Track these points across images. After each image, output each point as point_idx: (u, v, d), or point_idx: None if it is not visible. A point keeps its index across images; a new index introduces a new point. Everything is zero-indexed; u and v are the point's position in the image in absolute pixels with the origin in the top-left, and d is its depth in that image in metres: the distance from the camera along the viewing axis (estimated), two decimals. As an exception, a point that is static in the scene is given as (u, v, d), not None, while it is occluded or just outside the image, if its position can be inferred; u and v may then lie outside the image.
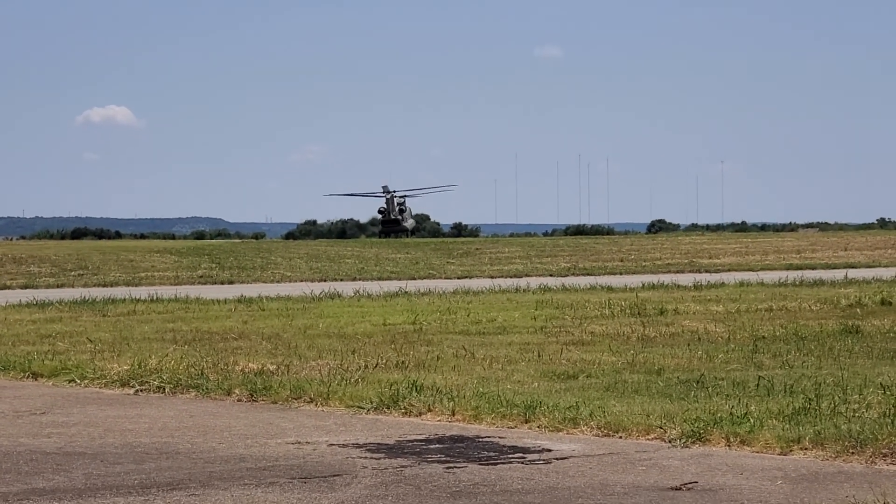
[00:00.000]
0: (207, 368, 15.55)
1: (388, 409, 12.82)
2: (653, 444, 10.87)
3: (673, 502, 8.74)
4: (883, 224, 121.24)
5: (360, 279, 43.19)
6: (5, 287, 40.41)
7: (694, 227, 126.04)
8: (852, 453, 10.09)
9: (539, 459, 10.26)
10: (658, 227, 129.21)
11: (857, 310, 24.00)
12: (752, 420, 11.12)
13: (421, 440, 11.21)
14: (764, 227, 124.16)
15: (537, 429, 11.65)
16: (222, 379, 14.81)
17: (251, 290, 34.86)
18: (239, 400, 13.99)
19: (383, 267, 52.80)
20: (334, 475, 9.72)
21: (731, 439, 10.72)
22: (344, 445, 10.99)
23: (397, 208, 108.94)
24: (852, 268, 46.71)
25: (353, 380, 14.38)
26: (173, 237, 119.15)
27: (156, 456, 10.63)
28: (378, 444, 11.05)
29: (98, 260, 55.04)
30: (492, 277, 43.52)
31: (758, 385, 13.24)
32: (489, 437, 11.34)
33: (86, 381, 15.58)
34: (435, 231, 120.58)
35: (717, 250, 65.22)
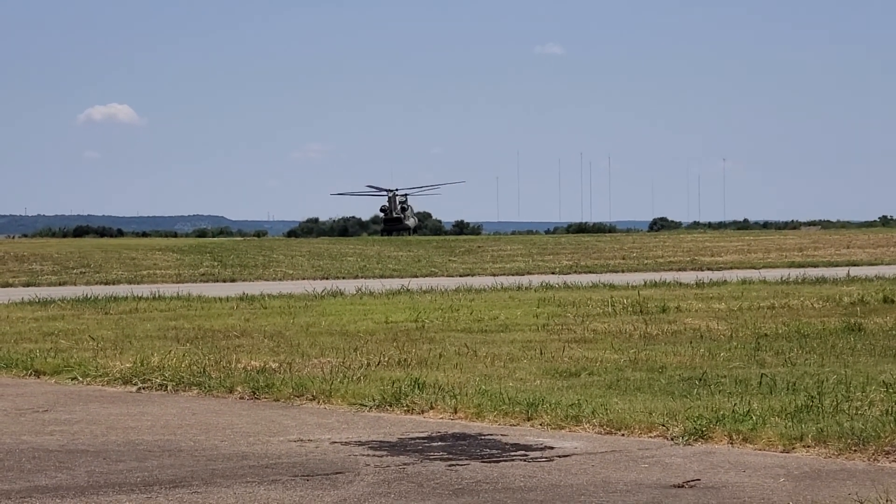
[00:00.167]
0: (210, 366, 15.56)
1: (391, 406, 12.82)
2: (655, 441, 10.87)
3: (675, 500, 8.74)
4: (885, 222, 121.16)
5: (362, 277, 43.18)
6: (7, 285, 40.44)
7: (696, 225, 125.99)
8: (855, 451, 10.09)
9: (541, 457, 10.26)
10: (660, 225, 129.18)
11: (860, 307, 24.00)
12: (754, 418, 11.12)
13: (423, 438, 11.21)
14: (766, 225, 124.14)
15: (539, 426, 11.65)
16: (224, 377, 14.82)
17: (253, 287, 34.87)
18: (241, 398, 13.99)
19: (385, 265, 52.81)
20: (336, 473, 9.72)
21: (734, 437, 10.72)
22: (346, 443, 10.99)
23: (399, 206, 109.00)
24: (854, 265, 46.73)
25: (355, 377, 14.38)
26: (175, 235, 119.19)
27: (158, 453, 10.63)
28: (380, 441, 11.05)
29: (100, 258, 55.07)
30: (494, 275, 43.52)
31: (760, 383, 13.24)
32: (491, 434, 11.34)
33: (88, 379, 15.59)
34: (437, 229, 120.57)
35: (719, 248, 65.26)
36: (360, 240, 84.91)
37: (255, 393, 14.03)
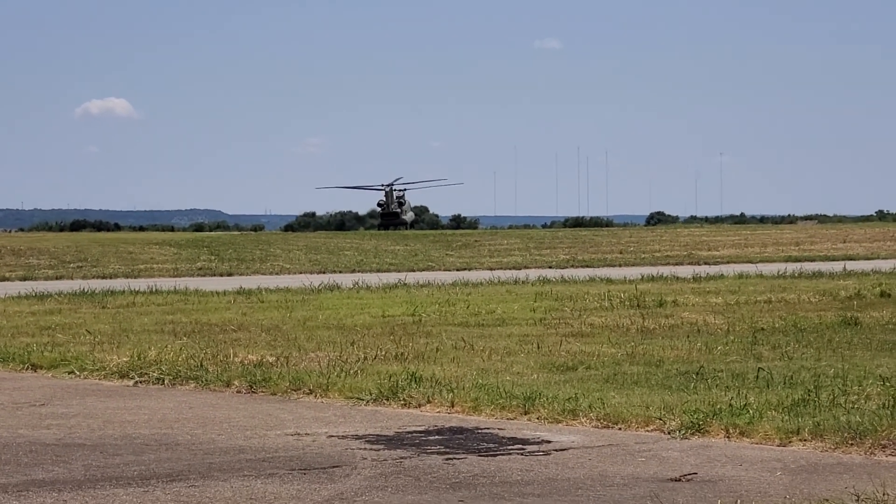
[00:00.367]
0: (207, 360, 15.55)
1: (388, 400, 12.82)
2: (652, 435, 10.88)
3: (672, 493, 8.74)
4: (882, 216, 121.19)
5: (359, 271, 43.18)
6: (4, 279, 40.40)
7: (693, 220, 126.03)
8: (851, 444, 10.10)
9: (538, 451, 10.27)
10: (657, 220, 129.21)
11: (856, 302, 24.02)
12: (751, 411, 11.13)
13: (420, 432, 11.21)
14: (763, 220, 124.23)
15: (536, 420, 11.66)
16: (221, 370, 14.82)
17: (250, 281, 34.87)
18: (238, 391, 13.99)
19: (382, 259, 52.80)
20: (334, 466, 9.72)
21: (731, 431, 10.72)
22: (343, 437, 10.99)
23: (396, 201, 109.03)
24: (851, 260, 46.77)
25: (352, 371, 14.38)
26: (172, 229, 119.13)
27: (155, 447, 10.63)
28: (377, 435, 11.05)
29: (97, 252, 55.05)
30: (491, 269, 43.52)
31: (757, 377, 13.25)
32: (488, 428, 11.35)
33: (85, 373, 15.59)
34: (434, 223, 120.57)
35: (716, 242, 65.27)
36: (357, 234, 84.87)
37: (252, 387, 14.03)
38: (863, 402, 11.60)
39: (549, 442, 10.64)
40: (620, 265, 46.85)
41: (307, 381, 13.81)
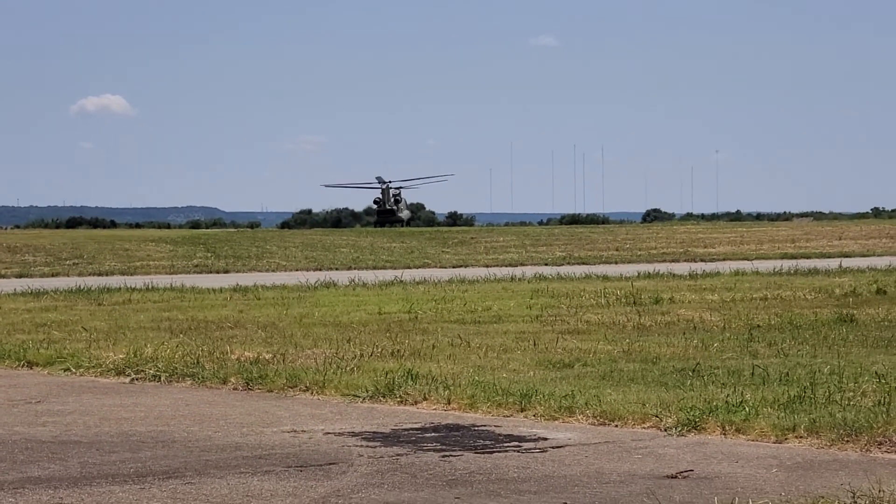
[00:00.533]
0: (203, 357, 15.55)
1: (384, 397, 12.82)
2: (648, 432, 10.88)
3: (669, 490, 8.75)
4: (877, 213, 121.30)
5: (355, 268, 43.17)
6: (0, 276, 40.37)
7: (689, 217, 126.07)
8: (847, 441, 10.10)
9: (535, 448, 10.27)
10: (653, 217, 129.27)
11: (852, 299, 24.03)
12: (747, 408, 11.13)
13: (416, 429, 11.22)
14: (759, 217, 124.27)
15: (533, 417, 11.66)
16: (218, 368, 14.81)
17: (246, 279, 34.86)
18: (235, 388, 13.99)
19: (378, 256, 52.79)
20: (330, 463, 9.73)
21: (727, 428, 10.73)
22: (340, 434, 10.99)
23: (392, 199, 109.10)
24: (847, 257, 46.75)
25: (348, 368, 14.38)
26: (168, 226, 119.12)
27: (151, 444, 10.63)
28: (374, 432, 11.06)
29: (93, 249, 55.01)
30: (487, 266, 43.51)
31: (753, 374, 13.25)
32: (485, 425, 11.35)
33: (81, 370, 15.58)
34: (430, 220, 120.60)
35: (712, 239, 65.27)
36: (354, 231, 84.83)
37: (248, 384, 14.02)
38: (859, 398, 11.61)
39: (545, 439, 10.64)
40: (617, 262, 46.84)
41: (304, 378, 13.81)
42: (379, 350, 16.10)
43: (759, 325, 18.94)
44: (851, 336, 17.31)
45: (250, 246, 59.55)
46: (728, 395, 11.80)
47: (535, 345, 16.63)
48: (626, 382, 13.14)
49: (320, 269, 42.22)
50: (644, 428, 11.03)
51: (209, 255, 52.90)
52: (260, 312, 22.52)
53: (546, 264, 45.13)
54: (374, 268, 43.58)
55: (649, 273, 34.35)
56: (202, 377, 14.50)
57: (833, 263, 38.73)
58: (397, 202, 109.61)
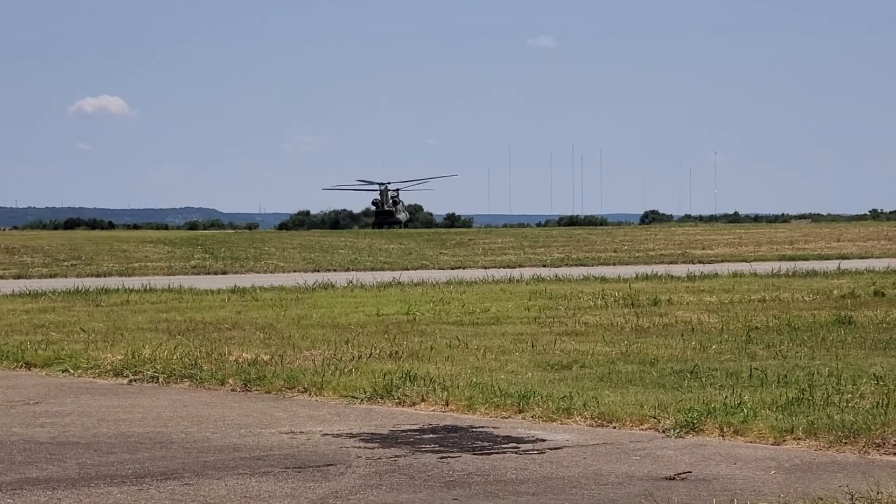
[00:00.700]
0: (201, 358, 15.54)
1: (382, 399, 12.82)
2: (646, 434, 10.88)
3: (667, 492, 8.75)
4: (875, 215, 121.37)
5: (353, 270, 43.15)
6: (-2, 277, 40.35)
7: (687, 218, 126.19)
8: (845, 443, 10.11)
9: (533, 449, 10.27)
10: (651, 218, 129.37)
11: (850, 300, 24.03)
12: (745, 410, 11.13)
13: (415, 430, 11.21)
14: (757, 218, 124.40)
15: (531, 419, 11.66)
16: (216, 369, 14.81)
17: (244, 280, 34.85)
18: (233, 390, 13.99)
19: (376, 257, 52.78)
20: (328, 465, 9.72)
21: (725, 429, 10.73)
22: (338, 435, 10.99)
23: (391, 200, 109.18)
24: (845, 259, 46.75)
25: (346, 370, 14.38)
26: (166, 227, 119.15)
27: (150, 445, 10.63)
28: (372, 433, 11.05)
29: (91, 250, 55.01)
30: (485, 268, 43.50)
31: (751, 375, 13.26)
32: (483, 427, 11.35)
33: (79, 371, 15.57)
34: (428, 221, 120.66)
35: (711, 241, 65.29)
36: (352, 233, 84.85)
37: (246, 385, 14.02)
38: (857, 400, 11.62)
39: (543, 440, 10.64)
40: (615, 264, 46.84)
41: (301, 379, 13.81)
42: (377, 351, 16.10)
43: (757, 327, 18.94)
44: (849, 338, 17.31)
45: (248, 247, 59.55)
46: (726, 396, 11.80)
47: (533, 346, 16.63)
48: (624, 384, 13.14)
49: (318, 271, 42.21)
50: (642, 429, 11.03)
51: (207, 256, 52.89)
52: (258, 314, 22.52)
53: (544, 266, 45.12)
54: (373, 269, 43.57)
55: (647, 275, 34.35)
56: (200, 378, 14.49)
57: (831, 265, 38.74)
58: (395, 203, 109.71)
